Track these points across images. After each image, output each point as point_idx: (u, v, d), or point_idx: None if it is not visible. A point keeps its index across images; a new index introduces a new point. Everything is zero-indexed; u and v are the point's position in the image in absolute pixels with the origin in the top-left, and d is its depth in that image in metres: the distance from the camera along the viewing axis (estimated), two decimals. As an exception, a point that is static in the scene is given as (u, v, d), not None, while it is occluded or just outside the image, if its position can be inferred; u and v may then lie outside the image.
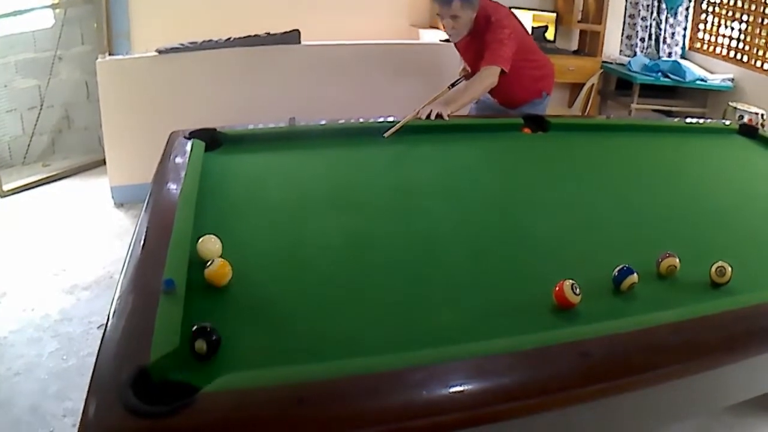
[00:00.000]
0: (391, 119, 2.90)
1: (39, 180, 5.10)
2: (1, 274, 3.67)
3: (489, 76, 3.34)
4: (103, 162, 4.81)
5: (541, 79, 3.89)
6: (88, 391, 1.12)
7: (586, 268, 1.69)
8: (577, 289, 1.48)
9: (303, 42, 4.45)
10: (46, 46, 5.37)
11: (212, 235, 1.68)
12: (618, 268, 1.59)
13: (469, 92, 3.37)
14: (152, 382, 1.12)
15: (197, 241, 1.66)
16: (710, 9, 6.59)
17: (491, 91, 3.57)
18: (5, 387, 2.76)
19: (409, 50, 5.11)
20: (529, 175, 2.51)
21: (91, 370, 1.15)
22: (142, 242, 1.67)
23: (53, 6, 5.31)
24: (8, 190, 4.88)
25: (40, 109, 5.46)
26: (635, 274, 1.58)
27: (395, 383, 1.18)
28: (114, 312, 1.35)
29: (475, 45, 3.52)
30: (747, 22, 6.14)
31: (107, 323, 1.31)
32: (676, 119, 4.47)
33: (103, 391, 1.12)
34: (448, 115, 3.06)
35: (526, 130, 2.96)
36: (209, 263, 1.56)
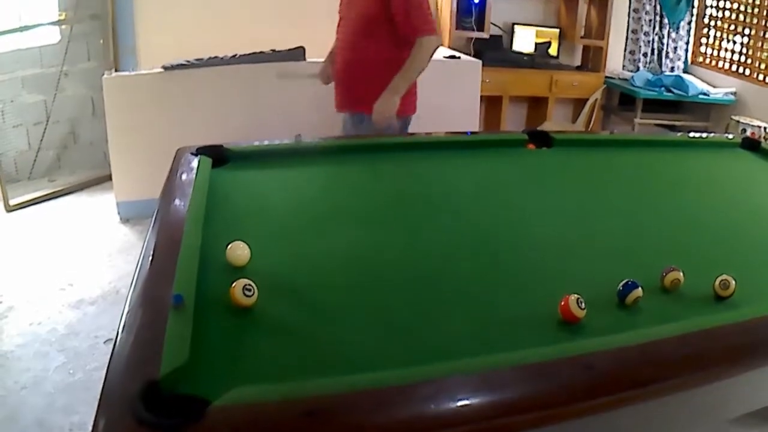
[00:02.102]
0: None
1: (45, 195, 5.14)
2: (7, 289, 3.70)
3: (427, 47, 3.20)
4: (109, 177, 4.84)
5: (408, 94, 3.40)
6: (99, 404, 1.13)
7: (591, 282, 1.69)
8: (583, 304, 1.49)
9: (308, 59, 4.48)
10: (52, 61, 5.43)
11: (241, 242, 1.75)
12: (623, 283, 1.60)
13: (412, 72, 3.23)
14: (163, 395, 1.13)
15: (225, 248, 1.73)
16: (712, 23, 6.63)
17: (345, 90, 3.39)
18: (12, 401, 2.78)
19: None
20: (534, 191, 2.52)
21: (100, 384, 1.16)
22: (150, 258, 1.68)
23: (60, 22, 5.37)
24: (14, 205, 4.91)
25: (46, 124, 5.51)
26: (640, 289, 1.59)
27: (404, 397, 1.18)
28: (123, 326, 1.36)
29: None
30: (749, 35, 6.18)
31: (117, 337, 1.32)
32: (679, 134, 4.48)
33: (114, 404, 1.12)
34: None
35: (531, 146, 2.97)
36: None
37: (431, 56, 3.26)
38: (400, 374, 1.24)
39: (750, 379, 1.44)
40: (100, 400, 1.13)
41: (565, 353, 1.32)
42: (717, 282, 1.66)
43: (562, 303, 1.50)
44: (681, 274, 1.68)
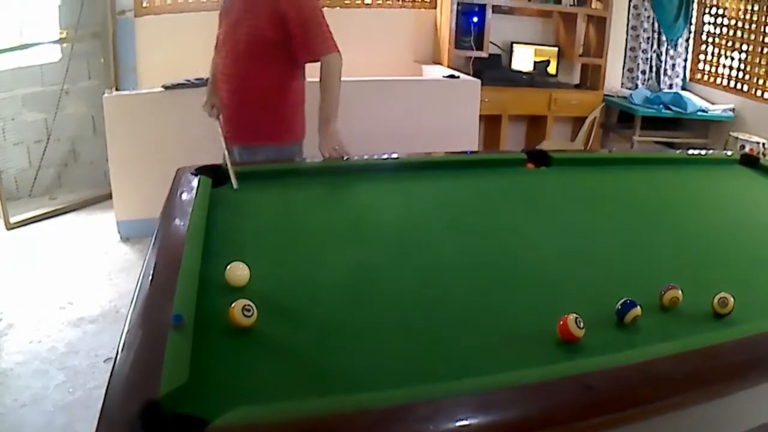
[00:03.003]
0: (395, 156, 2.95)
1: (45, 213, 5.16)
2: (7, 306, 3.71)
3: (336, 66, 3.02)
4: (109, 196, 4.86)
5: (295, 115, 3.26)
6: (98, 423, 1.13)
7: (589, 301, 1.70)
8: (581, 323, 1.50)
9: (308, 78, 4.49)
10: (53, 80, 5.47)
11: (240, 262, 1.75)
12: (621, 302, 1.61)
13: (333, 94, 3.05)
14: (163, 414, 1.13)
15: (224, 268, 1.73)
16: (710, 39, 6.67)
17: (237, 122, 3.11)
18: (12, 418, 2.78)
19: (414, 86, 5.18)
20: (532, 210, 2.53)
21: (99, 403, 1.16)
22: (150, 277, 1.69)
23: (61, 41, 5.41)
24: (15, 223, 4.93)
25: (47, 142, 5.54)
26: (638, 307, 1.59)
27: (402, 417, 1.19)
28: (123, 345, 1.36)
29: (253, 14, 2.96)
30: (747, 51, 6.21)
31: (116, 356, 1.32)
32: (678, 151, 4.50)
33: (114, 423, 1.13)
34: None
35: (530, 165, 2.98)
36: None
37: (341, 75, 3.08)
38: (399, 394, 1.24)
39: (749, 395, 1.44)
40: (99, 418, 1.14)
41: (564, 373, 1.32)
42: (715, 299, 1.66)
43: (561, 322, 1.51)
44: (680, 292, 1.68)
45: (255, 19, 2.94)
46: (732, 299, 1.65)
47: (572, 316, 1.50)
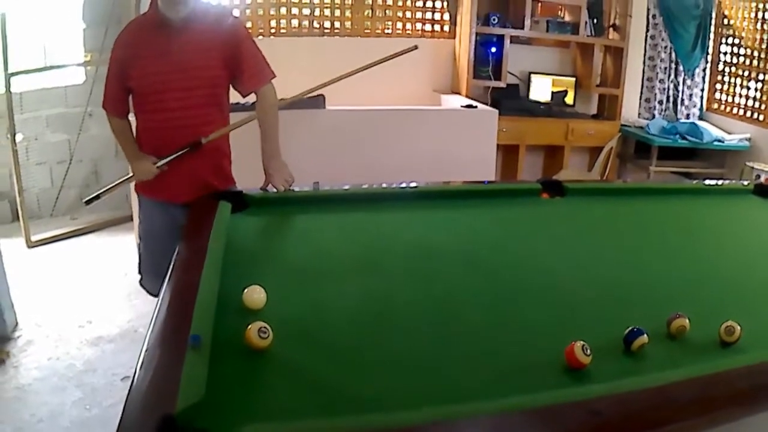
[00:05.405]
0: (413, 184, 2.99)
1: (66, 233, 5.24)
2: (27, 323, 3.76)
3: (275, 93, 2.90)
4: (130, 218, 4.93)
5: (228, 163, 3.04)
6: (117, 435, 1.17)
7: (597, 329, 1.73)
8: (588, 350, 1.53)
9: (328, 106, 4.56)
10: (77, 101, 5.57)
11: (257, 285, 1.80)
12: (628, 330, 1.64)
13: (277, 124, 2.90)
14: (178, 429, 1.17)
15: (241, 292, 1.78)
16: (727, 69, 6.68)
17: (200, 173, 2.83)
18: (29, 434, 2.82)
19: (432, 115, 5.23)
20: (545, 239, 2.57)
21: (116, 421, 1.20)
22: (169, 299, 1.74)
23: (85, 63, 5.50)
24: (36, 241, 5.01)
25: (69, 163, 5.64)
26: (645, 335, 1.62)
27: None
28: (142, 363, 1.41)
29: (197, 60, 2.72)
30: (763, 81, 6.21)
31: (135, 373, 1.37)
32: (695, 181, 4.51)
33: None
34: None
35: (545, 195, 3.01)
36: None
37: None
38: (410, 416, 1.28)
39: (755, 421, 1.46)
40: (117, 430, 1.18)
41: (572, 398, 1.35)
42: (722, 328, 1.69)
43: (568, 349, 1.54)
44: (687, 320, 1.71)
45: (202, 64, 2.74)
46: (739, 328, 1.68)
47: (579, 344, 1.53)
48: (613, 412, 1.33)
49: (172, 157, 2.74)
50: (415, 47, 3.22)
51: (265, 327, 1.56)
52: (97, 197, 2.89)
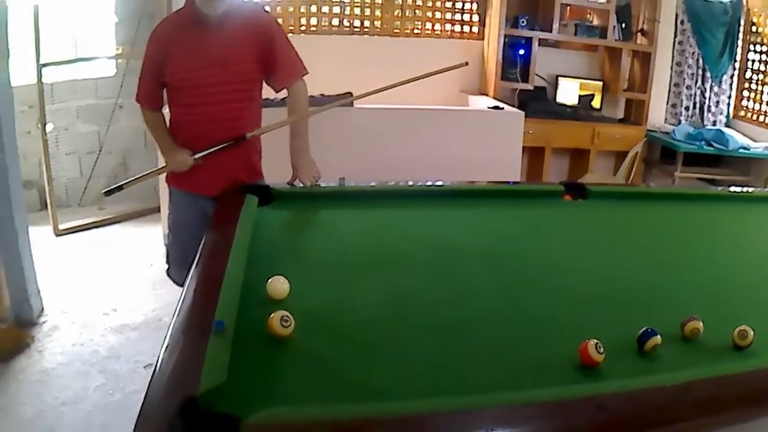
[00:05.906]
0: (439, 183, 3.02)
1: (94, 222, 5.32)
2: (53, 309, 3.84)
3: (305, 93, 2.94)
4: (158, 209, 4.99)
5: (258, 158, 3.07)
6: (139, 415, 1.22)
7: (612, 328, 1.75)
8: (601, 348, 1.55)
9: (356, 104, 4.60)
10: (107, 93, 5.66)
11: (281, 276, 1.84)
12: (642, 330, 1.66)
13: (306, 120, 2.95)
14: (199, 410, 1.21)
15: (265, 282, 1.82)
16: (754, 77, 6.64)
17: (236, 167, 2.88)
18: (52, 416, 2.90)
19: (459, 115, 5.25)
20: (565, 240, 2.59)
21: (137, 407, 1.24)
22: (195, 286, 1.79)
23: (117, 56, 5.58)
24: (63, 230, 5.10)
25: (99, 153, 5.73)
26: (658, 336, 1.64)
27: (426, 425, 1.27)
28: (166, 347, 1.45)
29: (234, 58, 2.77)
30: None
31: (159, 357, 1.41)
32: (719, 188, 4.49)
33: (153, 417, 1.22)
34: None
35: (567, 197, 3.03)
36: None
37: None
38: (425, 404, 1.32)
39: (766, 423, 1.48)
40: (140, 410, 1.23)
41: (580, 393, 1.38)
42: (736, 332, 1.70)
43: (582, 347, 1.56)
44: (701, 323, 1.72)
45: (238, 60, 2.79)
46: (752, 332, 1.69)
47: (593, 342, 1.56)
48: (618, 408, 1.36)
49: (212, 149, 2.78)
50: (466, 63, 3.23)
51: (287, 316, 1.60)
52: (119, 188, 2.92)
